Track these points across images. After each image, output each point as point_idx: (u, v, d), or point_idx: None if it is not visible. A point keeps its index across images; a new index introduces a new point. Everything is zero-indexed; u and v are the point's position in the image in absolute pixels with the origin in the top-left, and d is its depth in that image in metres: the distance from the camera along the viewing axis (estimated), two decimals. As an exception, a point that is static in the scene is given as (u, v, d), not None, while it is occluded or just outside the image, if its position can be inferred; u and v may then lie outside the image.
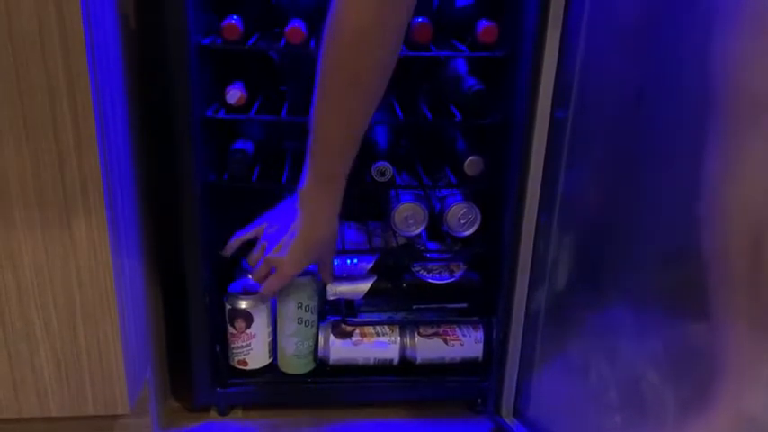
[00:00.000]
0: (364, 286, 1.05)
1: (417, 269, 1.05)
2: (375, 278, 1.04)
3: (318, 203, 0.89)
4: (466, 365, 1.09)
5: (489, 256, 1.05)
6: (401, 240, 1.08)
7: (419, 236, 1.08)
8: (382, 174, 0.98)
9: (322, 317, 1.09)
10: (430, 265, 1.06)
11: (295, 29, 0.91)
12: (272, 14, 1.00)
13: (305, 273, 1.03)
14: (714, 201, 0.66)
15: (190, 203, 0.93)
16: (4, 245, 0.78)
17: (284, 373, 1.08)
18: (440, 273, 1.05)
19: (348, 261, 1.10)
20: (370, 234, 1.14)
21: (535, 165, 0.93)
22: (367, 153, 0.98)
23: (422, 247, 1.08)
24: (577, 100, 0.87)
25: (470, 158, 0.98)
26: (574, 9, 0.83)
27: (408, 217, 1.03)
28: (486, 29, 0.94)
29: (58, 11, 0.70)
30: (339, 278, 1.06)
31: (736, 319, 0.68)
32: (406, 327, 1.08)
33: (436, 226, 1.08)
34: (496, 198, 1.00)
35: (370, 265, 1.09)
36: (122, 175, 0.84)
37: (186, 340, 1.03)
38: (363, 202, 1.16)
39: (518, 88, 0.91)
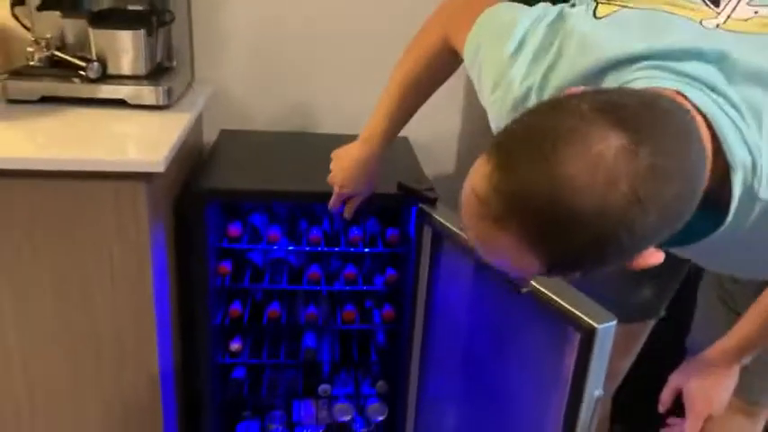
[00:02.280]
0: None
1: (347, 447, 1.69)
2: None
3: (354, 153, 1.26)
4: None
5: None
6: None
7: (351, 419, 1.70)
8: (324, 392, 1.60)
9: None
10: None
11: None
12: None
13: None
14: None
15: None
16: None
17: None
18: (362, 449, 1.69)
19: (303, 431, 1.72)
20: (319, 408, 1.76)
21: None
22: (312, 373, 1.61)
23: (351, 426, 1.70)
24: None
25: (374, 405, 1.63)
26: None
27: (341, 411, 1.66)
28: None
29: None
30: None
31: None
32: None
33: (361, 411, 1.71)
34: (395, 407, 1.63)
35: (317, 437, 1.72)
36: None
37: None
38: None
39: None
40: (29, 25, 1.51)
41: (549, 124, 0.59)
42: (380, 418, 1.67)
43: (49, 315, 1.28)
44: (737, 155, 0.65)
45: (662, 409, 1.10)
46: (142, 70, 1.47)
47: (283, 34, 1.74)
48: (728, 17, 0.77)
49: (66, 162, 1.17)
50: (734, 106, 0.67)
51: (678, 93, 0.67)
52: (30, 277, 1.25)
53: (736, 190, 0.66)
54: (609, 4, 0.82)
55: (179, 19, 1.61)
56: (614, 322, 0.96)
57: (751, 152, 0.66)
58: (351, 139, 1.29)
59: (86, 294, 1.27)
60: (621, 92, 0.67)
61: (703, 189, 0.63)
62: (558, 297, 1.00)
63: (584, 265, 0.62)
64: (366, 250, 1.52)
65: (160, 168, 1.17)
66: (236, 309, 1.53)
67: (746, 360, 1.05)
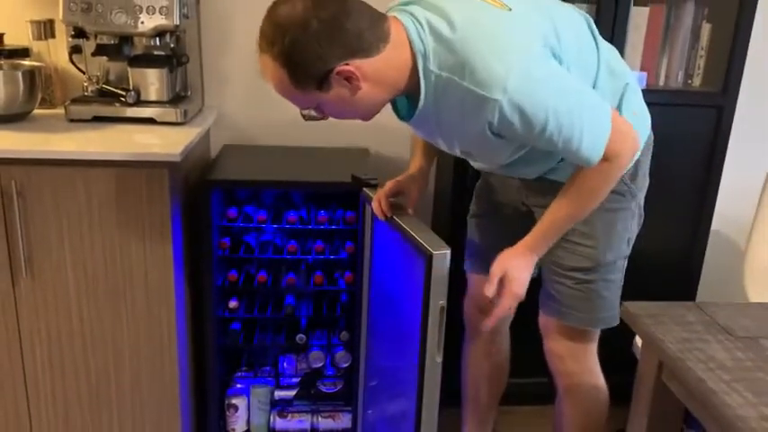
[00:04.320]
0: (293, 392, 2.14)
1: (319, 385, 2.15)
2: (298, 389, 2.14)
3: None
4: (345, 432, 2.17)
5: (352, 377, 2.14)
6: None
7: (324, 365, 2.17)
8: (301, 340, 2.08)
9: (274, 405, 2.17)
10: (326, 381, 2.16)
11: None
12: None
13: (263, 384, 2.12)
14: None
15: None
16: None
17: (254, 436, 2.16)
18: (329, 386, 2.15)
19: (284, 380, 2.19)
20: (299, 361, 2.23)
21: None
22: (292, 327, 2.10)
23: (323, 371, 2.17)
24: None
25: (340, 353, 2.09)
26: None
27: (316, 358, 2.13)
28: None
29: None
30: (282, 387, 2.15)
31: None
32: (313, 413, 2.16)
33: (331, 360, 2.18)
34: (355, 353, 2.10)
35: (297, 381, 2.18)
36: None
37: None
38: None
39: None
40: (83, 68, 2.07)
41: None
42: (345, 365, 2.14)
43: (99, 269, 1.78)
44: (416, 45, 1.22)
45: (489, 293, 1.39)
46: (165, 97, 2.01)
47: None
48: None
49: (112, 154, 1.70)
50: (417, 21, 1.23)
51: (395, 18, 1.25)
52: (85, 239, 1.76)
53: (420, 68, 1.23)
54: None
55: (193, 60, 2.17)
56: (448, 250, 1.35)
57: (423, 44, 1.22)
58: (326, 150, 1.80)
59: (125, 254, 1.78)
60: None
61: (406, 86, 1.25)
62: (414, 233, 1.44)
63: (307, 59, 1.15)
64: (332, 227, 2.02)
65: (178, 158, 1.69)
66: (233, 275, 2.03)
67: (542, 252, 1.44)
